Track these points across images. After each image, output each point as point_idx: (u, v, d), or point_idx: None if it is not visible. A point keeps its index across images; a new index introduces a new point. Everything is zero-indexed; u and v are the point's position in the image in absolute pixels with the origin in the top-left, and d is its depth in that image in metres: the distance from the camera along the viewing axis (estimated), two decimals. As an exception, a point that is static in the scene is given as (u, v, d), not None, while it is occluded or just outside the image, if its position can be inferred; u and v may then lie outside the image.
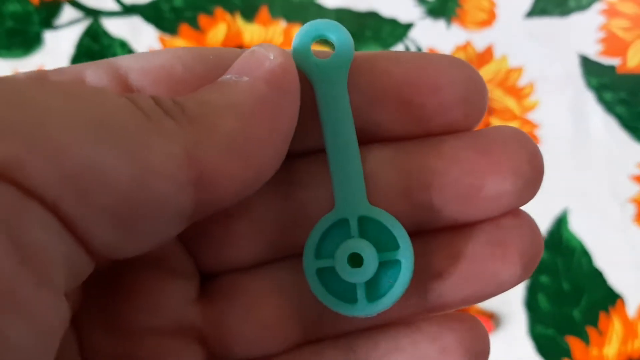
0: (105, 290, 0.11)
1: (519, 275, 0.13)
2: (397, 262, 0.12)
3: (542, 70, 0.49)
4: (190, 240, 0.13)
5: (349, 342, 0.13)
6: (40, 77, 0.11)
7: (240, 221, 0.13)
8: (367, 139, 0.13)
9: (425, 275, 0.13)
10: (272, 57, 0.12)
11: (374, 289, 0.12)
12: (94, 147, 0.09)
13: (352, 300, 0.12)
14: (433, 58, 0.13)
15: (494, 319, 0.41)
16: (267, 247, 0.13)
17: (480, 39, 0.50)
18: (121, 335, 0.11)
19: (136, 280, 0.12)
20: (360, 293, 0.12)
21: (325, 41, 0.14)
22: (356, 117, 0.13)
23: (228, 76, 0.12)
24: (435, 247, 0.13)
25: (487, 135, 0.13)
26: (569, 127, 0.47)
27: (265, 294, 0.13)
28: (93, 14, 0.51)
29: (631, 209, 0.44)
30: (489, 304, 0.41)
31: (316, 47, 0.14)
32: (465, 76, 0.13)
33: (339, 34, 0.14)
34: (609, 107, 0.47)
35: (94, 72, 0.12)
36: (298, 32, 0.13)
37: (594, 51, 0.49)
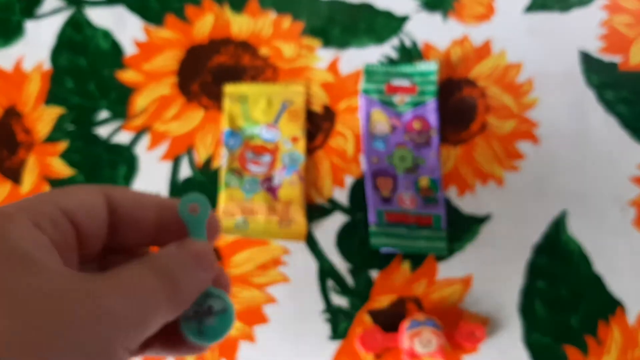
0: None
1: None
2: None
3: (542, 66, 0.47)
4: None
5: None
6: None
7: None
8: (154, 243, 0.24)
9: None
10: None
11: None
12: None
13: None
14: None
15: (487, 325, 0.39)
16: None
17: (477, 34, 0.48)
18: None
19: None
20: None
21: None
22: (150, 237, 0.23)
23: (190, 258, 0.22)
24: None
25: None
26: (568, 126, 0.45)
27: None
28: (76, 3, 0.49)
29: (632, 212, 0.42)
30: (483, 310, 0.40)
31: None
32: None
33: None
34: (610, 106, 0.46)
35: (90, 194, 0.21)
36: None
37: (595, 48, 0.47)
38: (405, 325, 0.37)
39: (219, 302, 0.21)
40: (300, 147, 0.44)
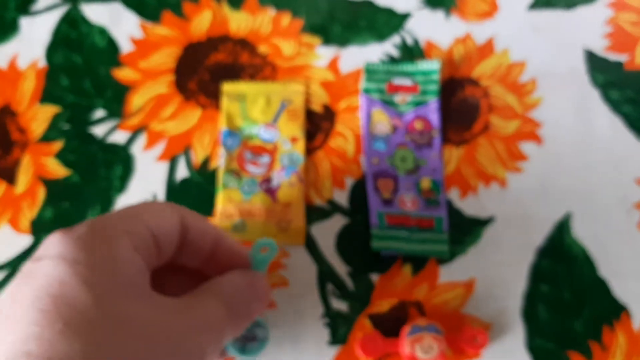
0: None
1: None
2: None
3: (546, 65, 0.46)
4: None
5: None
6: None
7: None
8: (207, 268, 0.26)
9: None
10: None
11: None
12: None
13: None
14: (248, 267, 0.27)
15: (490, 330, 0.38)
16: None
17: (480, 31, 0.47)
18: None
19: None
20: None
21: None
22: (204, 263, 0.26)
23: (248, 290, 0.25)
24: None
25: None
26: (572, 126, 0.44)
27: None
28: (71, -1, 0.48)
29: (637, 215, 0.41)
30: (485, 314, 0.39)
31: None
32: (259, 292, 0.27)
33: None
34: (616, 106, 0.45)
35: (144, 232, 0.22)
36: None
37: (600, 46, 0.47)
38: (406, 330, 0.36)
39: (262, 331, 0.27)
40: (300, 148, 0.43)
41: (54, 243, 0.18)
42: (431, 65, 0.45)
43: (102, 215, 0.21)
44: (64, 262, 0.17)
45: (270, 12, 0.48)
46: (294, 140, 0.43)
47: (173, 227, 0.22)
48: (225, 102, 0.44)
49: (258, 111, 0.44)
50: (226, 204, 0.41)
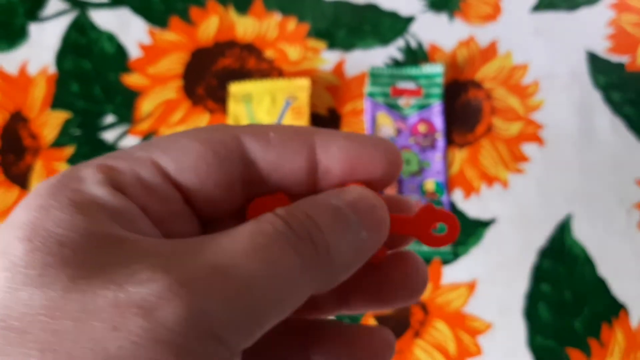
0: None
1: None
2: None
3: (548, 67, 0.47)
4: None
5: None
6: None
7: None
8: (314, 191, 0.17)
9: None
10: (385, 226, 0.16)
11: None
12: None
13: None
14: (370, 143, 0.17)
15: (492, 328, 0.39)
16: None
17: (484, 34, 0.48)
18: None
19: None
20: None
21: None
22: (310, 182, 0.17)
23: (347, 212, 0.15)
24: None
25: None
26: (574, 128, 0.45)
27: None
28: (80, 5, 0.49)
29: (637, 215, 0.42)
30: (487, 313, 0.40)
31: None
32: (389, 158, 0.17)
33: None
34: (617, 107, 0.45)
35: (145, 170, 0.15)
36: None
37: (602, 48, 0.47)
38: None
39: None
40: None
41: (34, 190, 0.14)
42: (435, 69, 0.46)
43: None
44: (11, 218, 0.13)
45: (277, 17, 0.48)
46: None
47: (207, 159, 0.15)
48: (231, 104, 0.45)
49: (264, 112, 0.45)
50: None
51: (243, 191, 0.16)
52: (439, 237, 0.18)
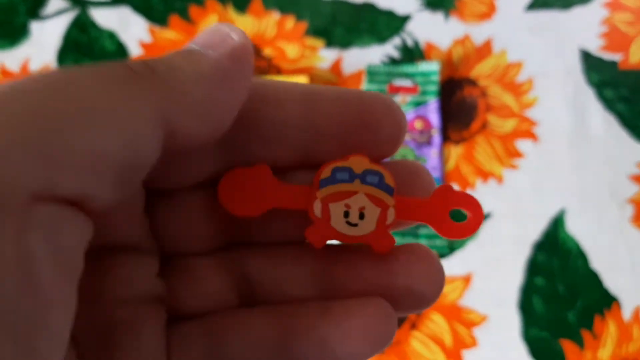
0: (87, 271, 0.12)
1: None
2: None
3: (542, 65, 0.47)
4: (155, 225, 0.15)
5: (276, 309, 0.15)
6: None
7: (197, 214, 0.15)
8: (306, 165, 0.15)
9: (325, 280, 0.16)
10: (235, 37, 0.13)
11: None
12: (92, 134, 0.11)
13: None
14: (368, 100, 0.15)
15: (487, 321, 0.40)
16: (217, 234, 0.15)
17: (479, 32, 0.48)
18: (100, 306, 0.14)
19: (112, 260, 0.14)
20: None
21: None
22: (301, 151, 0.15)
23: (194, 46, 0.13)
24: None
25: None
26: (567, 124, 0.46)
27: (209, 271, 0.15)
28: (81, 3, 0.50)
29: (630, 210, 0.43)
30: (482, 306, 0.41)
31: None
32: (391, 117, 0.15)
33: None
34: (610, 104, 0.46)
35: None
36: None
37: (595, 46, 0.48)
38: (322, 175, 0.16)
39: None
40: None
41: None
42: (431, 67, 0.46)
43: None
44: None
45: (275, 16, 0.49)
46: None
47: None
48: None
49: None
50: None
51: (218, 159, 0.14)
52: (458, 227, 0.15)
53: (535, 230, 0.43)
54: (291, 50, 0.48)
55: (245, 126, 0.14)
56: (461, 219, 0.15)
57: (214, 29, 0.14)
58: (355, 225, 0.15)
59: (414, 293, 0.14)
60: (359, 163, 0.15)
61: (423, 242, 0.42)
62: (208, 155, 0.14)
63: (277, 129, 0.14)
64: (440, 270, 0.15)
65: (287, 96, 0.14)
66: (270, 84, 0.15)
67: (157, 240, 0.15)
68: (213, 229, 0.15)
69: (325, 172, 0.15)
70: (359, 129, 0.14)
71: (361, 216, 0.15)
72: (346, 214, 0.15)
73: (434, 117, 0.46)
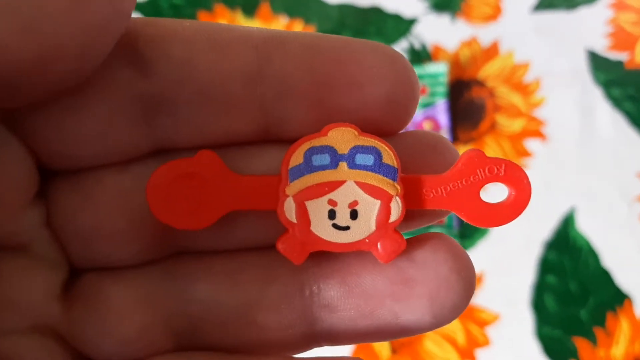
0: None
1: (427, 322, 0.11)
2: None
3: (549, 65, 0.48)
4: (57, 221, 0.10)
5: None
6: None
7: (119, 219, 0.11)
8: (272, 137, 0.10)
9: (314, 304, 0.11)
10: None
11: None
12: None
13: None
14: (356, 47, 0.10)
15: (500, 320, 0.40)
16: (143, 247, 0.11)
17: (485, 34, 0.49)
18: None
19: None
20: None
21: None
22: (261, 112, 0.10)
23: None
24: (329, 271, 0.11)
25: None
26: (575, 124, 0.46)
27: (129, 305, 0.10)
28: (91, 11, 0.51)
29: (639, 208, 0.43)
30: (495, 305, 0.41)
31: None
32: (392, 71, 0.10)
33: None
34: (617, 103, 0.47)
35: None
36: None
37: (601, 46, 0.48)
38: (293, 159, 0.11)
39: None
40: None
41: None
42: (438, 68, 0.47)
43: None
44: None
45: (283, 20, 0.50)
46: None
47: None
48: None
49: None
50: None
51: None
52: (495, 210, 0.10)
53: (545, 228, 0.43)
54: (300, 53, 0.48)
55: (183, 83, 0.09)
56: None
57: None
58: (347, 228, 0.10)
59: (436, 303, 0.11)
60: (343, 138, 0.10)
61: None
62: (124, 121, 0.10)
63: (229, 86, 0.10)
64: (469, 268, 0.12)
65: (244, 42, 0.10)
66: (224, 28, 0.10)
67: (60, 245, 0.10)
68: (142, 232, 0.10)
69: (296, 157, 0.10)
70: (344, 87, 0.09)
71: (353, 215, 0.10)
72: (332, 214, 0.10)
73: (443, 118, 0.46)
